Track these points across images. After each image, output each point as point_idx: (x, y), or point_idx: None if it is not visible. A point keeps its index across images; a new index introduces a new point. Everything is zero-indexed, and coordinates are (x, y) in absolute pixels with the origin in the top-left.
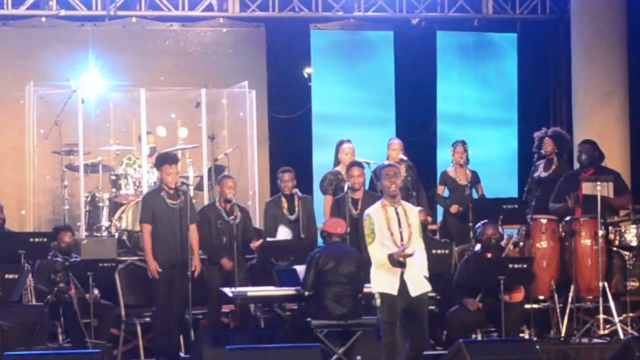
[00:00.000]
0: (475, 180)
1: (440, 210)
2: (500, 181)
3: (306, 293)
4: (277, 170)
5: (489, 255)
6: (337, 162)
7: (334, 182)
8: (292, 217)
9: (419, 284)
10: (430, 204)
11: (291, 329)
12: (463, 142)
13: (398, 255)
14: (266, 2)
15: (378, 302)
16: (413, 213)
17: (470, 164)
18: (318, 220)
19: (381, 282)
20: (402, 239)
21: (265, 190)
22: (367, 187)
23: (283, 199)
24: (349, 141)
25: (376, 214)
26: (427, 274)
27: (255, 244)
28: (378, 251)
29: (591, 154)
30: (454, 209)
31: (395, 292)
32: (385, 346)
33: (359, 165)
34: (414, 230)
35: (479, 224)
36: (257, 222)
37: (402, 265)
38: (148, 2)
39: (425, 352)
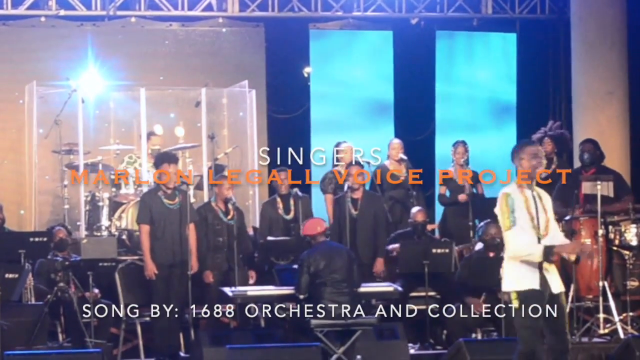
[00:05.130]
0: (475, 180)
1: (438, 209)
2: (499, 179)
3: (301, 297)
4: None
5: (491, 254)
6: (336, 162)
7: (333, 181)
8: (288, 217)
9: (558, 279)
10: (427, 204)
11: (291, 329)
12: (464, 143)
13: (573, 249)
14: (265, 2)
15: (515, 303)
16: (547, 198)
17: (470, 164)
18: None
19: (518, 277)
20: (539, 226)
21: (265, 189)
22: (367, 187)
23: (278, 199)
24: (345, 141)
25: (515, 194)
26: None
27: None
28: (521, 238)
29: (593, 153)
30: (462, 197)
31: (537, 287)
32: (521, 355)
33: (358, 164)
34: (551, 216)
35: (482, 223)
36: (257, 221)
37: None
38: (147, 2)
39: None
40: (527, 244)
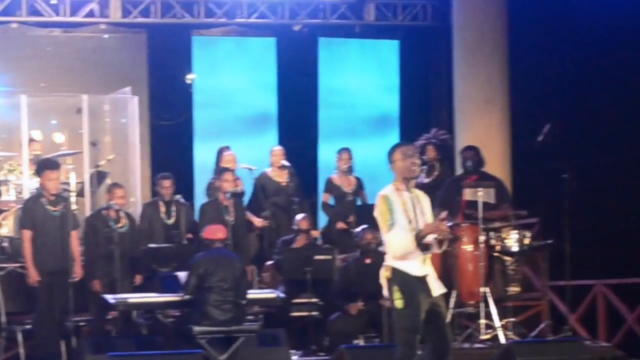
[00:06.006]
0: (359, 187)
1: (322, 216)
2: (382, 187)
3: (186, 297)
4: (156, 176)
5: (368, 260)
6: (218, 169)
7: (217, 188)
8: (169, 222)
9: (436, 282)
10: (310, 210)
11: (173, 336)
12: (348, 150)
13: (428, 230)
14: (148, 8)
15: (398, 303)
16: (426, 200)
17: (354, 171)
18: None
19: (401, 280)
20: (417, 227)
21: (147, 196)
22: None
23: (161, 203)
24: (228, 148)
25: (392, 196)
26: None
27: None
28: (400, 237)
29: (476, 160)
30: (339, 225)
31: (419, 289)
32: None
33: (231, 170)
34: (429, 219)
35: (358, 229)
36: None
37: (426, 248)
38: (29, 7)
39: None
40: (403, 239)
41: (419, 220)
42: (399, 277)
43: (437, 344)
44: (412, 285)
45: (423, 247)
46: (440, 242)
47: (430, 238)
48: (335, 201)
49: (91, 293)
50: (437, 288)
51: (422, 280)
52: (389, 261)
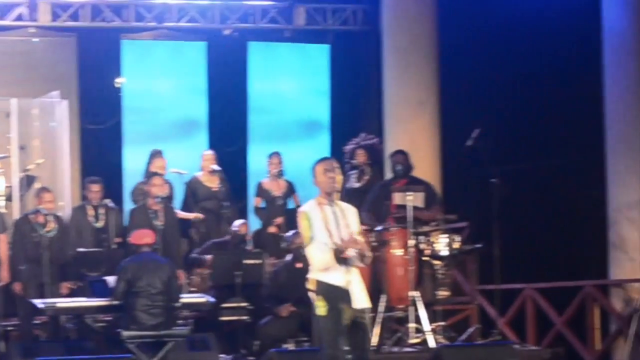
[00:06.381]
0: (290, 191)
1: (252, 221)
2: (313, 192)
3: (115, 302)
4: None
5: (299, 265)
6: (148, 173)
7: (144, 192)
8: (98, 225)
9: (362, 295)
10: (240, 215)
11: (103, 340)
12: (278, 154)
13: (346, 244)
14: (77, 12)
15: (321, 310)
16: (351, 213)
17: (285, 175)
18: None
19: (324, 288)
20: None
21: (76, 200)
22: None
23: (89, 207)
24: (160, 153)
25: (312, 212)
26: None
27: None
28: (320, 252)
29: (405, 164)
30: (271, 229)
31: (342, 300)
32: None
33: (161, 175)
34: (355, 231)
35: (289, 233)
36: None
37: (346, 262)
38: None
39: None
40: (323, 253)
41: (343, 233)
42: (323, 288)
43: (357, 356)
44: (334, 294)
45: (342, 261)
46: (362, 257)
47: (350, 252)
48: (266, 204)
49: (19, 297)
50: (360, 300)
51: (344, 290)
52: (313, 274)
